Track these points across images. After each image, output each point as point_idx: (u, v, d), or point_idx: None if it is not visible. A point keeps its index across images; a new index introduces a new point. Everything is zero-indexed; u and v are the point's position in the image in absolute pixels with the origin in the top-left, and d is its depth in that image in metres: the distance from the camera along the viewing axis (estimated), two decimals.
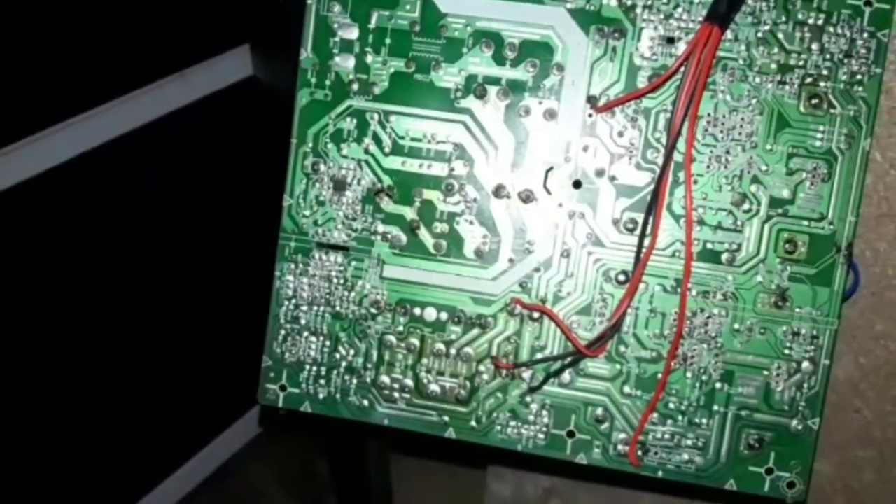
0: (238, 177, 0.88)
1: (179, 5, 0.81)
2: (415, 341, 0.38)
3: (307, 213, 0.39)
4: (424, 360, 0.38)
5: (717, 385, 0.37)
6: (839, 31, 0.35)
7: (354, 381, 0.39)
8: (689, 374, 0.37)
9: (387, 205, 0.38)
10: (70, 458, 0.76)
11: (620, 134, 0.37)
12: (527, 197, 0.37)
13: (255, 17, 0.82)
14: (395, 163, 0.38)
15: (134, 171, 0.80)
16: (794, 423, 0.37)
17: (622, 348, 0.37)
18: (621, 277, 0.37)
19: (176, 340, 0.82)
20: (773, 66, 0.36)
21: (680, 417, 0.37)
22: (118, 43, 0.76)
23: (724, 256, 0.37)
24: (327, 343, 0.39)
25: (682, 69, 0.34)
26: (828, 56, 0.36)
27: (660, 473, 0.37)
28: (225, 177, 0.87)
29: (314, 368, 0.39)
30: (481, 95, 0.37)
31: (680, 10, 0.36)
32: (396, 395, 0.39)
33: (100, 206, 0.78)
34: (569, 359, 0.37)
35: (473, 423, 0.38)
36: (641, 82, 0.36)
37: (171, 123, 0.82)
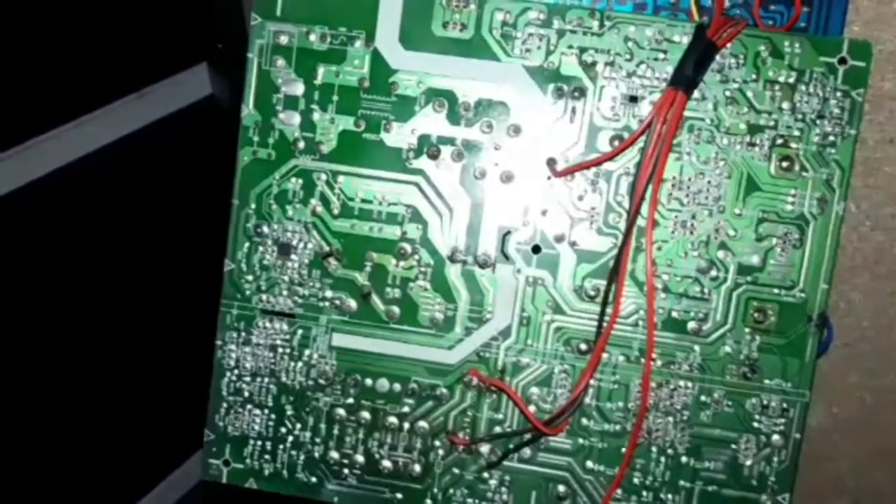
0: (199, 195, 0.85)
1: (135, 24, 0.78)
2: (366, 414, 0.36)
3: (250, 278, 0.36)
4: (376, 435, 0.36)
5: (684, 459, 0.35)
6: (811, 90, 0.33)
7: (302, 456, 0.37)
8: (654, 449, 0.35)
9: (335, 269, 0.36)
10: (27, 489, 0.73)
11: (580, 198, 0.35)
12: (484, 262, 0.35)
13: (211, 34, 0.79)
14: (344, 225, 0.36)
15: (96, 192, 0.77)
16: (764, 498, 0.35)
17: (585, 422, 0.35)
18: (583, 347, 0.35)
19: (132, 366, 0.79)
20: (742, 126, 0.34)
21: (645, 493, 0.35)
22: (76, 63, 0.73)
23: (691, 326, 0.35)
24: (273, 416, 0.37)
25: (645, 134, 0.32)
26: (799, 116, 0.34)
27: None
28: (186, 195, 0.84)
29: (259, 443, 0.37)
30: (434, 156, 0.35)
31: (643, 67, 0.34)
32: (346, 471, 0.36)
33: (61, 229, 0.75)
34: (527, 435, 0.35)
35: (429, 501, 0.36)
36: (602, 143, 0.34)
37: (131, 143, 0.80)
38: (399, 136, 0.35)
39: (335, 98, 0.35)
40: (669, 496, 0.35)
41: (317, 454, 0.36)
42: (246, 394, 0.37)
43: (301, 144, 0.35)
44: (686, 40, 0.33)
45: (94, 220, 0.77)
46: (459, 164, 0.35)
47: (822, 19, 0.37)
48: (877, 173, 0.42)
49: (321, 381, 0.36)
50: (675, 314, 0.35)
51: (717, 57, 0.33)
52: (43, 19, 0.69)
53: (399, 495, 0.36)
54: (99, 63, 0.76)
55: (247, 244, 0.36)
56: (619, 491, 0.35)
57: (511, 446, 0.36)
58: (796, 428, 0.35)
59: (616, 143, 0.34)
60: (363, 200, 0.36)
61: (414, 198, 0.35)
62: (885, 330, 0.45)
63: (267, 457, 0.37)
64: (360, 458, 0.36)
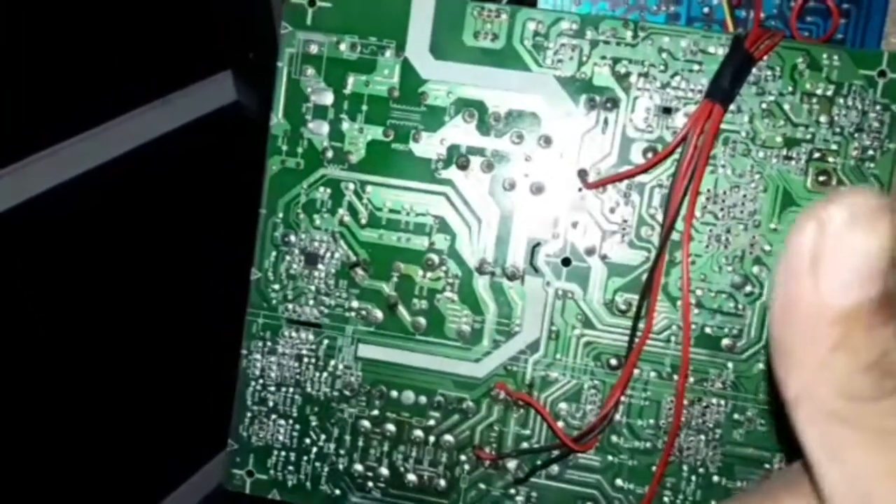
0: (224, 200, 0.86)
1: (162, 31, 0.78)
2: (391, 427, 0.36)
3: (276, 287, 0.36)
4: (401, 448, 0.36)
5: (715, 479, 0.34)
6: (850, 102, 0.33)
7: (326, 468, 0.36)
8: (685, 467, 0.35)
9: (362, 280, 0.36)
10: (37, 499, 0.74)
11: (612, 210, 0.34)
12: (512, 274, 0.35)
13: (237, 42, 0.79)
14: (371, 235, 0.36)
15: (120, 197, 0.78)
16: None
17: (615, 439, 0.35)
18: (613, 362, 0.35)
19: (146, 376, 0.79)
20: (779, 139, 0.33)
21: None
22: (102, 69, 0.74)
23: (724, 342, 0.34)
24: (297, 427, 0.36)
25: (680, 147, 0.32)
26: (837, 130, 0.33)
27: None
28: (209, 201, 0.84)
29: (283, 454, 0.36)
30: (464, 166, 0.35)
31: (678, 78, 0.33)
32: (371, 484, 0.36)
33: (86, 233, 0.75)
34: (555, 452, 0.34)
35: None
36: (635, 155, 0.34)
37: (156, 149, 0.80)
38: (428, 146, 0.35)
39: (364, 108, 0.35)
40: None
41: (341, 466, 0.36)
42: (270, 404, 0.36)
43: (329, 154, 0.35)
44: (721, 51, 0.33)
45: (118, 225, 0.77)
46: (489, 174, 0.35)
47: (859, 31, 0.37)
48: None
49: (346, 393, 0.36)
50: (708, 330, 0.34)
51: (754, 69, 0.33)
52: (72, 27, 0.69)
53: None
54: (124, 69, 0.76)
55: (274, 253, 0.36)
56: None
57: (539, 462, 0.35)
58: None
59: (649, 155, 0.33)
60: (391, 210, 0.35)
61: (442, 208, 0.35)
62: None
63: (290, 468, 0.36)
64: (384, 472, 0.36)
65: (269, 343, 0.36)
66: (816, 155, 0.33)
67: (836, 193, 0.18)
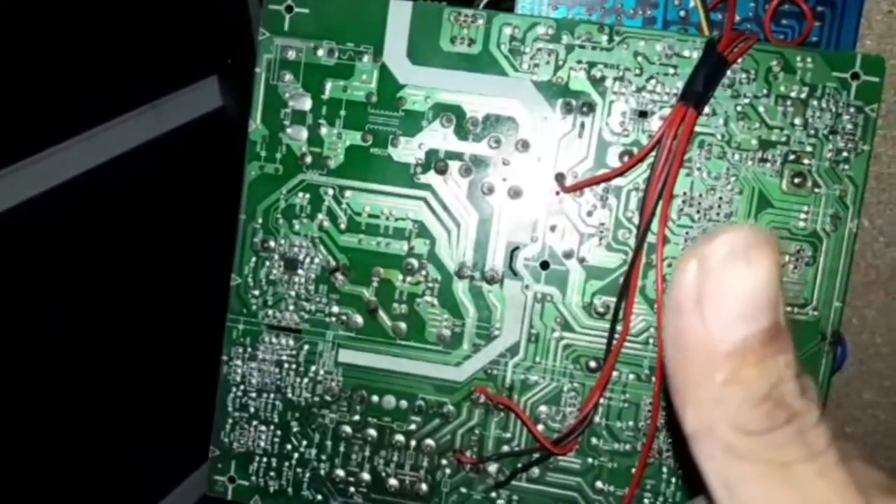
0: (209, 205, 0.86)
1: (146, 37, 0.78)
2: (372, 432, 0.36)
3: (256, 293, 0.36)
4: (382, 452, 0.36)
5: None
6: (824, 105, 0.33)
7: (308, 473, 0.36)
8: (664, 469, 0.35)
9: (342, 285, 0.36)
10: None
11: (589, 213, 0.34)
12: (491, 278, 0.35)
13: (222, 48, 0.79)
14: (351, 240, 0.36)
15: (107, 203, 0.78)
16: None
17: (594, 441, 0.35)
18: (592, 364, 0.35)
19: (134, 380, 0.79)
20: (754, 141, 0.33)
21: None
22: (89, 75, 0.74)
23: None
24: (278, 433, 0.36)
25: (655, 150, 0.32)
26: (812, 132, 0.33)
27: None
28: (197, 206, 0.84)
29: (265, 459, 0.36)
30: (442, 171, 0.35)
31: (653, 82, 0.33)
32: (352, 489, 0.36)
33: (70, 239, 0.75)
34: (535, 455, 0.35)
35: None
36: (612, 159, 0.34)
37: (143, 155, 0.80)
38: (406, 150, 0.35)
39: (343, 113, 0.35)
40: None
41: (322, 472, 0.36)
42: (251, 410, 0.36)
43: (308, 159, 0.35)
44: (696, 55, 0.33)
45: (104, 231, 0.77)
46: (467, 179, 0.35)
47: (833, 33, 0.37)
48: (891, 189, 0.42)
49: (327, 398, 0.36)
50: None
51: (728, 72, 0.33)
52: (59, 33, 0.69)
53: None
54: (111, 75, 0.76)
55: (253, 259, 0.36)
56: None
57: (519, 466, 0.35)
58: None
59: (625, 158, 0.34)
60: (370, 215, 0.35)
61: (421, 213, 0.35)
62: None
63: (272, 474, 0.36)
64: (366, 476, 0.36)
65: (249, 349, 0.36)
66: (791, 157, 0.33)
67: (717, 231, 0.18)
